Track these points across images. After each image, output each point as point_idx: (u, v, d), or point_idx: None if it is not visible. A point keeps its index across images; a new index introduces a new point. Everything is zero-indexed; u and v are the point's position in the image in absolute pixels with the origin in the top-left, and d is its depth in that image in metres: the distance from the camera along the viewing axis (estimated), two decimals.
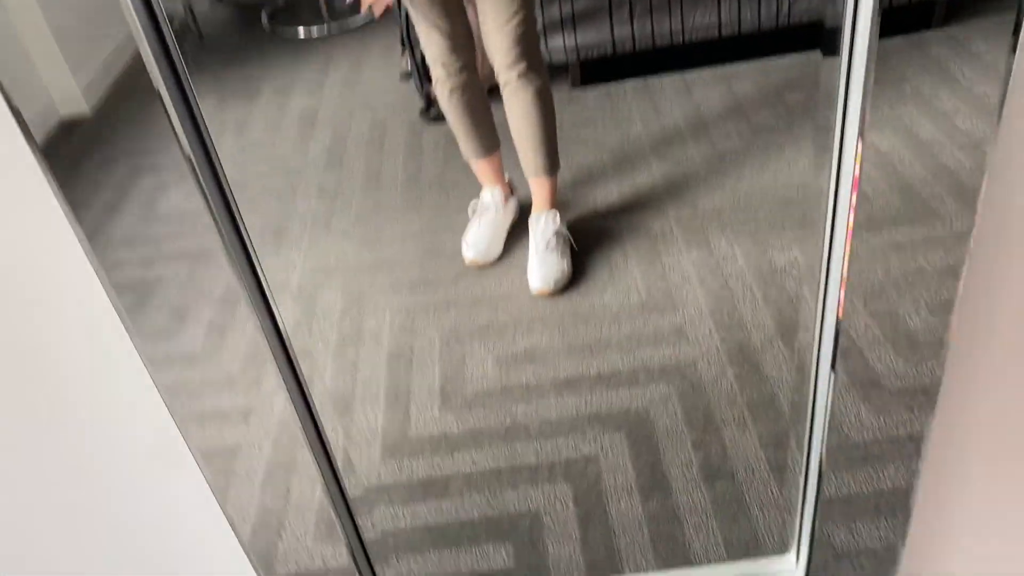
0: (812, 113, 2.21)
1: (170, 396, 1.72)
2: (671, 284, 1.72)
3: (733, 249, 1.78)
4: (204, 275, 2.10)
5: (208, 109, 3.08)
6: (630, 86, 2.48)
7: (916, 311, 1.67)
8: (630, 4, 2.38)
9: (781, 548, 1.21)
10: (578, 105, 2.39)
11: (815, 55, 2.40)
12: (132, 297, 2.06)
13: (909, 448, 1.34)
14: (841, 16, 0.80)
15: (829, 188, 0.86)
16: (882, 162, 1.99)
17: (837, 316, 0.91)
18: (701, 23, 2.41)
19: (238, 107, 2.74)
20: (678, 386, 1.51)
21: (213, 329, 1.96)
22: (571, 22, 2.38)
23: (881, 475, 1.29)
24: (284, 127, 2.63)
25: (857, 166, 0.87)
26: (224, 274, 1.07)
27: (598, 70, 2.47)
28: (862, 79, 0.81)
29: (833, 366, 0.94)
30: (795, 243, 1.77)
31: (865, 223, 1.89)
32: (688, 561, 1.23)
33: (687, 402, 1.48)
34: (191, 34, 3.64)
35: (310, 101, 2.73)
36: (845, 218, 0.88)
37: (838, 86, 0.83)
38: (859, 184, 0.87)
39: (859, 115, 0.83)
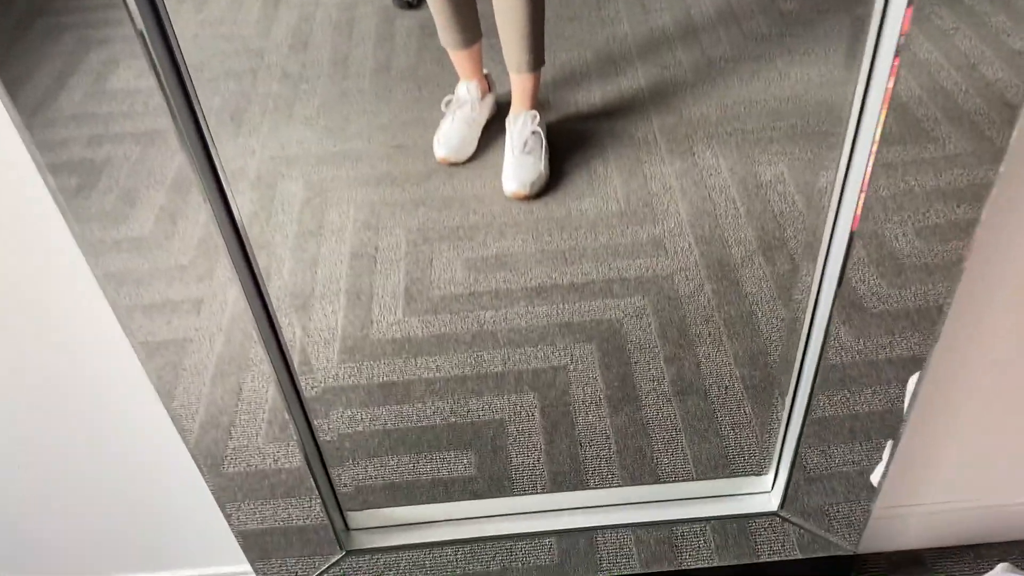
0: (809, 22, 2.11)
1: (114, 285, 1.62)
2: (652, 194, 1.65)
3: (718, 161, 1.70)
4: (156, 157, 1.97)
5: None
6: None
7: (903, 233, 1.62)
8: None
9: (752, 469, 1.18)
10: (563, 1, 2.25)
11: None
12: (76, 179, 1.93)
13: (888, 373, 1.31)
14: None
15: (856, 94, 0.78)
16: None
17: (851, 231, 0.85)
18: None
19: None
20: (653, 299, 1.45)
21: (164, 215, 1.85)
22: None
23: (858, 399, 1.26)
24: (246, 5, 2.46)
25: (892, 75, 0.78)
26: (177, 157, 0.97)
27: None
28: None
29: (840, 284, 0.88)
30: (782, 157, 1.69)
31: (840, 132, 1.83)
32: (656, 477, 1.19)
33: (662, 316, 1.42)
34: None
35: None
36: (872, 128, 0.80)
37: None
38: (892, 91, 0.79)
39: (902, 15, 0.74)
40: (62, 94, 2.30)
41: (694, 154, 1.72)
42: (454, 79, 1.85)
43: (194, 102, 0.82)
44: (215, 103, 2.03)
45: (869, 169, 0.82)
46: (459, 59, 1.76)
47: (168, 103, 0.81)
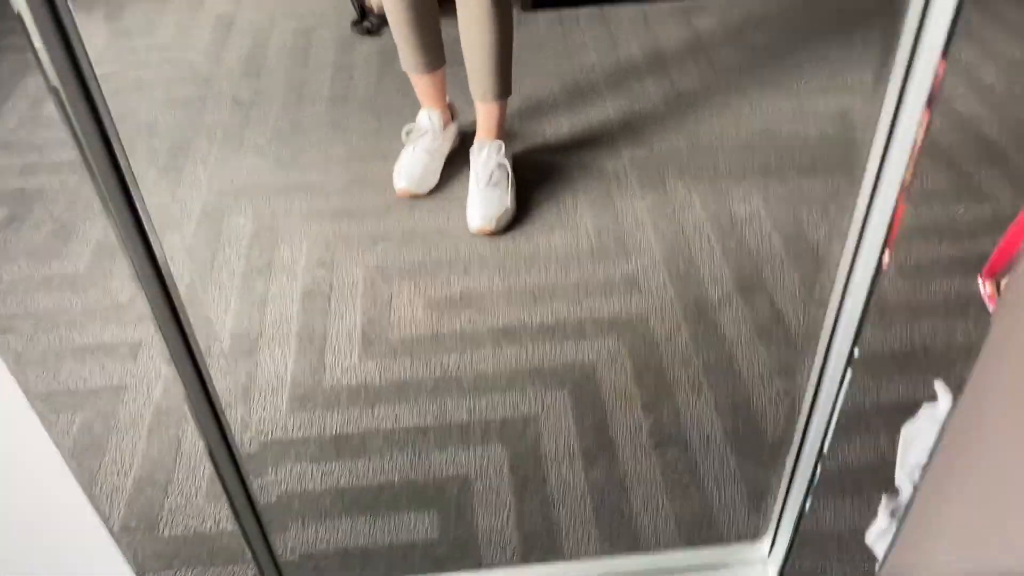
0: (778, 55, 2.07)
1: (42, 326, 1.49)
2: (624, 229, 1.57)
3: (691, 195, 1.63)
4: (94, 189, 1.84)
5: (106, 15, 2.72)
6: (584, 13, 2.28)
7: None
8: None
9: (740, 532, 1.09)
10: (528, 29, 2.18)
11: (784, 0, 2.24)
12: (6, 210, 1.79)
13: (876, 422, 1.23)
14: None
15: (880, 124, 0.70)
16: (840, 110, 1.87)
17: (874, 277, 0.77)
18: None
19: (142, 12, 2.43)
20: (628, 341, 1.36)
21: (102, 250, 1.72)
22: None
23: (847, 449, 1.18)
24: (197, 29, 2.34)
25: (924, 130, 0.71)
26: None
27: None
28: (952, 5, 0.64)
29: (858, 334, 0.80)
30: (757, 192, 1.63)
31: (814, 168, 1.77)
32: (635, 537, 1.09)
33: (638, 360, 1.34)
34: None
35: (226, 6, 2.44)
36: (900, 170, 0.72)
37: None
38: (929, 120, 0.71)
39: (941, 42, 0.66)
40: None
41: (666, 188, 1.65)
42: (415, 109, 1.75)
43: (111, 136, 0.71)
44: (159, 131, 1.91)
45: (897, 216, 0.74)
46: (421, 85, 1.67)
47: (85, 159, 0.70)
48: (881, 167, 0.72)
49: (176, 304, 0.76)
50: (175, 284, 0.84)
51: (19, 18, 0.65)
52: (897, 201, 0.78)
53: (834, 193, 1.62)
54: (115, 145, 0.74)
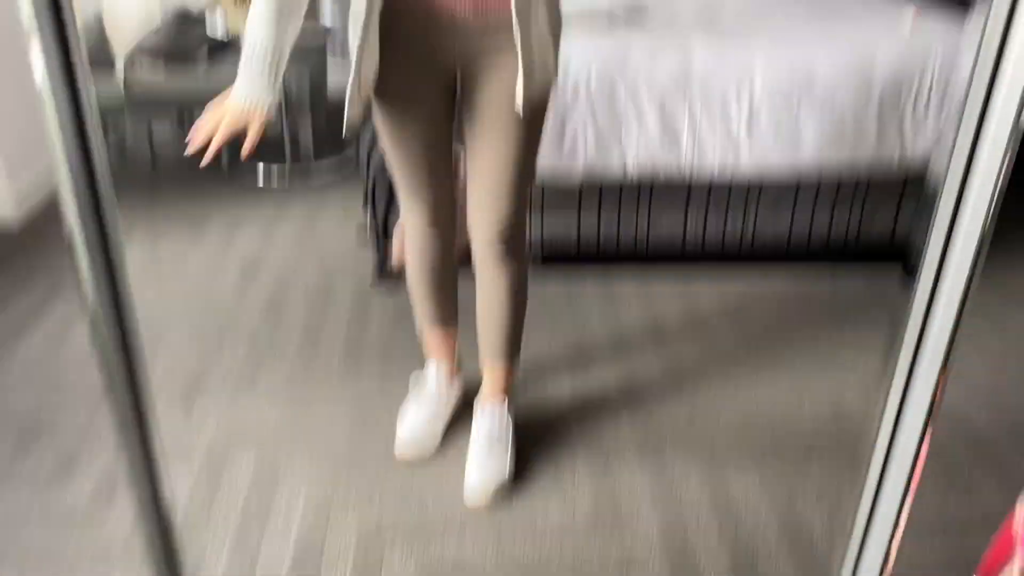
0: (773, 334, 2.18)
1: (29, 569, 1.46)
2: (620, 503, 1.58)
3: (688, 470, 1.66)
4: (106, 420, 1.88)
5: (144, 241, 2.89)
6: (591, 288, 2.40)
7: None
8: (599, 204, 2.37)
9: None
10: (535, 289, 2.30)
11: (778, 281, 2.38)
12: (13, 437, 1.81)
13: None
14: (928, 231, 0.72)
15: (883, 422, 0.75)
16: (833, 395, 1.93)
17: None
18: (666, 231, 2.41)
19: (178, 243, 2.60)
20: None
21: (103, 486, 1.72)
22: (539, 209, 2.35)
23: None
24: (224, 270, 2.49)
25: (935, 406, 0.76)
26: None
27: (560, 255, 2.43)
28: (956, 306, 0.71)
29: None
30: (753, 471, 1.66)
31: (809, 452, 1.79)
32: None
33: None
34: (144, 164, 3.50)
35: (257, 248, 2.60)
36: (901, 487, 0.76)
37: (916, 306, 0.73)
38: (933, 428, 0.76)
39: (945, 346, 0.72)
40: (21, 340, 2.22)
41: (664, 460, 1.68)
42: (424, 360, 1.82)
43: (139, 385, 0.76)
44: (175, 366, 1.98)
45: (903, 521, 0.78)
46: (432, 337, 1.75)
47: (110, 387, 0.75)
48: (879, 491, 0.75)
49: (175, 548, 0.78)
50: (174, 527, 0.84)
51: (68, 239, 0.70)
52: (898, 519, 0.81)
53: (828, 480, 1.65)
54: (139, 377, 0.78)
